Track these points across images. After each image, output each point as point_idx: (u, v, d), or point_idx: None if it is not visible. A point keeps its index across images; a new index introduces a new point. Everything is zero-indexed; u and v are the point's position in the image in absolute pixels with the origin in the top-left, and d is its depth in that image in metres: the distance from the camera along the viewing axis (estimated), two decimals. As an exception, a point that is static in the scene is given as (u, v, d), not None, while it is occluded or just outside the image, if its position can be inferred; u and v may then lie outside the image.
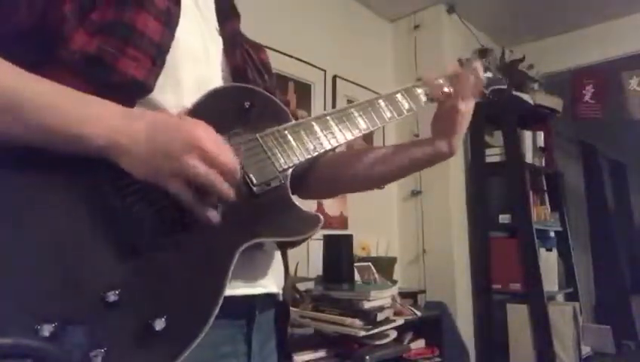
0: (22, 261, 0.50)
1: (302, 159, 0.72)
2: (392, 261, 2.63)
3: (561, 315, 2.81)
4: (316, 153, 0.74)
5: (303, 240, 0.69)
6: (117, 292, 0.52)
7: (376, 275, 2.23)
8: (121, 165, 0.56)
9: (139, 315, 0.53)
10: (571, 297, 3.23)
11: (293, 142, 0.72)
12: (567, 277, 3.22)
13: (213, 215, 0.59)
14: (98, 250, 0.54)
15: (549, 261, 2.97)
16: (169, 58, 0.67)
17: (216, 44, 0.79)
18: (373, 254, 2.69)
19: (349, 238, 2.10)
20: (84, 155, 0.55)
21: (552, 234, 3.24)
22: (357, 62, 2.88)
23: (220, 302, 0.57)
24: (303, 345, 1.76)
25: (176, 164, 0.56)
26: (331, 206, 2.56)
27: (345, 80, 2.76)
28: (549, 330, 2.67)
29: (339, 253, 2.04)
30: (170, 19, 0.68)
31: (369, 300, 1.87)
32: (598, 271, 5.03)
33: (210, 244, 0.60)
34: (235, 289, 0.65)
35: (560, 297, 3.31)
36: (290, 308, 2.03)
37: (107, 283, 0.53)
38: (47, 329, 0.48)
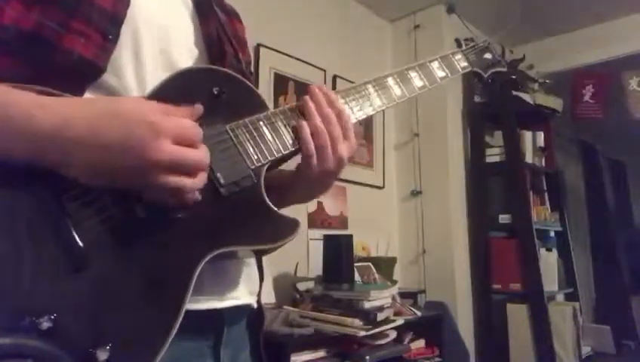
0: None
1: (278, 155, 0.63)
2: (392, 261, 2.63)
3: (561, 315, 2.81)
4: (295, 148, 0.65)
5: (278, 247, 0.61)
6: (52, 317, 0.45)
7: (376, 275, 2.23)
8: (64, 172, 0.49)
9: (78, 344, 0.46)
10: (571, 297, 3.23)
11: (268, 135, 0.62)
12: (567, 277, 3.22)
13: (195, 196, 0.53)
14: (29, 268, 0.46)
15: (549, 261, 2.97)
16: (125, 30, 0.57)
17: (187, 12, 0.69)
18: (373, 254, 2.69)
19: (349, 238, 2.10)
20: (20, 164, 0.48)
21: (552, 234, 3.24)
22: (357, 62, 2.88)
23: (177, 325, 0.50)
24: (303, 345, 1.75)
25: (138, 181, 0.49)
26: (331, 206, 2.56)
27: (345, 80, 2.75)
28: (549, 330, 2.67)
29: (339, 253, 2.04)
30: None
31: (369, 300, 1.87)
32: (598, 271, 5.02)
33: (167, 258, 0.53)
34: (201, 303, 0.59)
35: (560, 297, 3.31)
36: (291, 308, 2.04)
37: (41, 306, 0.45)
38: None
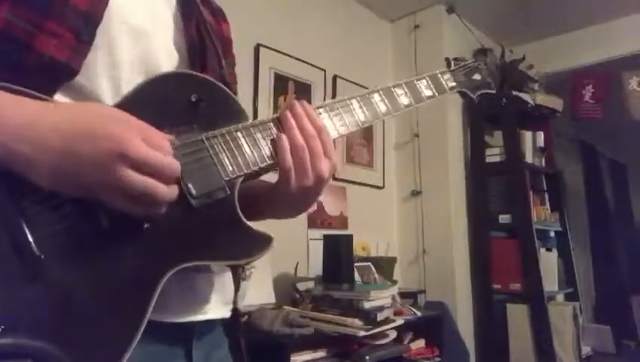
0: None
1: (255, 168, 0.60)
2: (392, 261, 2.63)
3: (561, 315, 2.81)
4: (274, 160, 0.62)
5: (249, 263, 0.60)
6: (1, 327, 0.43)
7: (376, 275, 2.23)
8: (26, 176, 0.47)
9: (30, 355, 0.45)
10: (571, 297, 3.23)
11: (245, 147, 0.59)
12: (567, 277, 3.22)
13: (158, 212, 0.50)
14: None
15: (549, 261, 2.97)
16: (101, 30, 0.55)
17: (169, 10, 0.66)
18: (373, 254, 2.69)
19: (349, 238, 2.10)
20: None
21: (552, 234, 3.25)
22: (357, 62, 2.88)
23: (135, 340, 0.48)
24: (303, 345, 1.75)
25: (101, 178, 0.47)
26: (331, 206, 2.56)
27: (345, 80, 2.75)
28: (549, 330, 2.67)
29: (339, 253, 2.04)
30: None
31: (369, 300, 1.87)
32: (598, 271, 5.03)
33: (130, 269, 0.50)
34: (167, 317, 0.57)
35: (560, 297, 3.31)
36: (291, 308, 2.04)
37: None
38: None
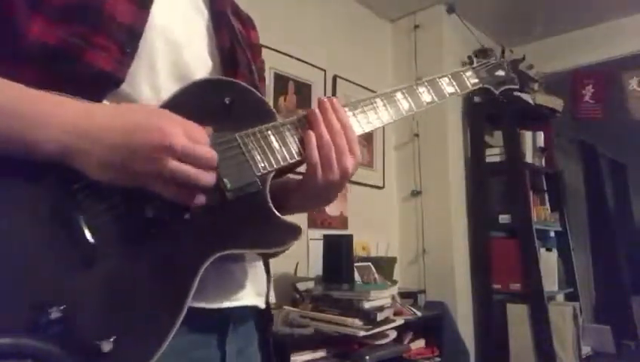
0: None
1: (284, 163, 0.64)
2: (392, 261, 2.63)
3: (561, 315, 2.81)
4: (302, 157, 0.66)
5: (282, 252, 0.63)
6: (62, 307, 0.47)
7: (376, 275, 2.23)
8: (79, 169, 0.51)
9: (84, 334, 0.48)
10: (571, 297, 3.23)
11: (275, 144, 0.64)
12: (567, 277, 3.22)
13: (200, 199, 0.55)
14: (44, 260, 0.49)
15: (549, 261, 2.97)
16: (143, 43, 0.60)
17: (203, 22, 0.71)
18: (373, 254, 2.69)
19: (349, 238, 2.10)
20: (39, 159, 0.50)
21: (552, 234, 3.25)
22: (357, 62, 2.88)
23: (179, 321, 0.52)
24: (303, 345, 1.75)
25: (150, 168, 0.51)
26: (331, 206, 2.55)
27: (345, 80, 2.75)
28: (549, 330, 2.67)
29: (339, 253, 2.05)
30: None
31: (369, 300, 1.87)
32: (598, 271, 5.03)
33: (172, 257, 0.55)
34: (205, 302, 0.61)
35: (560, 297, 3.31)
36: (291, 308, 2.03)
37: (52, 297, 0.48)
38: None
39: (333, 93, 2.69)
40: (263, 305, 0.73)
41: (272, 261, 0.79)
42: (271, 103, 2.31)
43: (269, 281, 0.76)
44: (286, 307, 1.94)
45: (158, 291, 0.53)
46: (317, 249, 2.17)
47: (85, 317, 0.49)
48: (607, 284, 4.94)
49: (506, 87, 0.99)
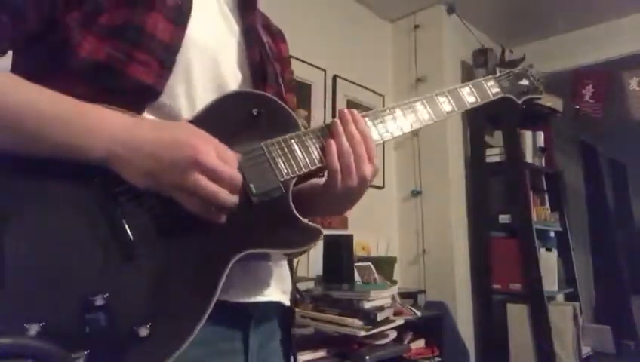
0: (13, 262, 0.51)
1: (306, 170, 0.69)
2: (392, 261, 2.63)
3: (561, 315, 2.81)
4: (322, 164, 0.71)
5: (303, 252, 0.68)
6: (105, 296, 0.53)
7: (376, 275, 2.23)
8: (120, 174, 0.57)
9: (124, 320, 0.53)
10: (571, 297, 3.23)
11: (298, 152, 0.69)
12: (567, 277, 3.22)
13: (219, 217, 0.60)
14: (89, 253, 0.55)
15: (549, 261, 2.97)
16: (180, 58, 0.65)
17: (235, 38, 0.77)
18: (373, 254, 2.69)
19: (349, 238, 2.10)
20: (85, 163, 0.56)
21: (552, 234, 3.24)
22: (357, 62, 2.88)
23: (208, 310, 0.57)
24: (303, 345, 1.75)
25: (178, 179, 0.56)
26: (331, 206, 2.55)
27: (345, 80, 2.76)
28: (549, 330, 2.67)
29: (339, 253, 2.04)
30: (180, 15, 0.66)
31: (369, 300, 1.87)
32: (598, 271, 5.03)
33: (203, 253, 0.60)
34: (231, 296, 0.64)
35: (560, 297, 3.31)
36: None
37: (96, 286, 0.53)
38: (34, 329, 0.49)
39: (333, 93, 2.69)
40: (287, 303, 0.77)
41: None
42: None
43: (293, 280, 0.80)
44: (286, 307, 1.94)
45: (191, 283, 0.58)
46: (317, 249, 2.17)
47: (125, 305, 0.54)
48: (607, 284, 4.94)
49: (529, 96, 1.00)
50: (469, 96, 0.88)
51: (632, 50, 3.16)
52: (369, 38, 3.08)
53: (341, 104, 2.71)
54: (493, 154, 3.02)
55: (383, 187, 2.96)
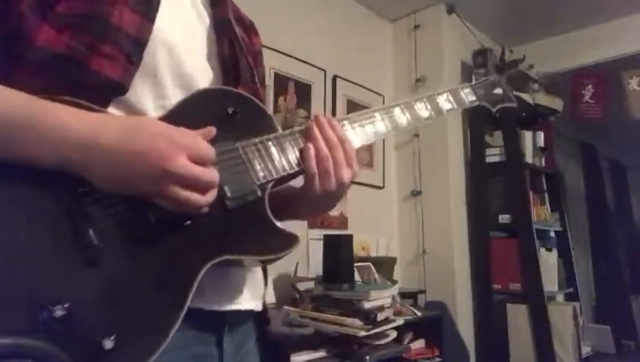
0: None
1: (283, 173, 0.66)
2: (392, 261, 2.63)
3: (561, 315, 2.81)
4: (300, 168, 0.68)
5: (277, 259, 0.65)
6: (66, 305, 0.49)
7: (376, 275, 2.23)
8: (85, 177, 0.53)
9: (88, 332, 0.50)
10: (571, 297, 3.23)
11: (275, 154, 0.66)
12: (567, 277, 3.22)
13: (204, 210, 0.57)
14: (48, 259, 0.51)
15: (549, 261, 2.97)
16: (147, 52, 0.61)
17: (204, 30, 0.73)
18: (373, 254, 2.69)
19: (349, 238, 2.10)
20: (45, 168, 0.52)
21: (552, 234, 3.24)
22: (357, 62, 2.88)
23: (178, 321, 0.54)
24: (303, 345, 1.75)
25: (148, 188, 0.54)
26: (331, 206, 2.55)
27: (345, 80, 2.75)
28: (549, 330, 2.67)
29: (339, 253, 2.04)
30: (149, 8, 0.62)
31: (369, 300, 1.87)
32: (598, 271, 5.03)
33: (174, 260, 0.56)
34: (204, 304, 0.62)
35: (560, 297, 3.31)
36: (291, 308, 2.03)
37: (57, 296, 0.49)
38: None
39: (333, 93, 2.69)
40: (259, 308, 0.75)
41: (271, 261, 0.80)
42: (271, 104, 2.32)
43: (265, 285, 0.78)
44: (286, 307, 1.94)
45: (159, 293, 0.54)
46: (317, 249, 2.17)
47: (88, 316, 0.50)
48: (607, 284, 4.94)
49: (503, 105, 1.01)
50: (446, 103, 0.88)
51: (632, 50, 3.16)
52: (369, 38, 3.08)
53: (341, 104, 2.71)
54: (493, 154, 3.02)
55: (383, 187, 2.96)
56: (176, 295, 0.55)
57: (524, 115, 3.01)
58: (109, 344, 0.50)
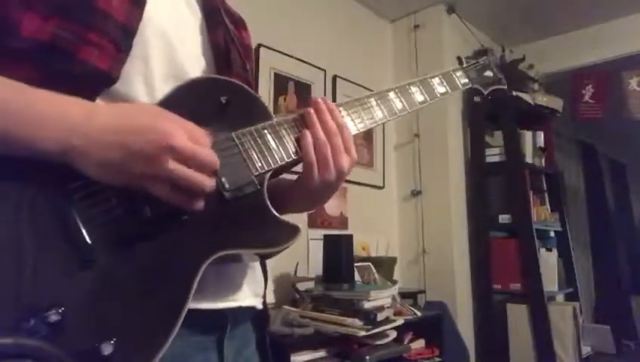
0: None
1: (282, 163, 0.64)
2: (392, 261, 2.63)
3: (561, 315, 2.81)
4: (298, 156, 0.66)
5: (279, 252, 0.62)
6: (60, 310, 0.46)
7: (376, 275, 2.23)
8: (79, 168, 0.51)
9: (84, 338, 0.48)
10: (571, 297, 3.23)
11: (272, 143, 0.64)
12: (567, 277, 3.22)
13: (199, 204, 0.55)
14: (40, 261, 0.48)
15: (549, 261, 2.97)
16: (137, 41, 0.59)
17: (196, 19, 0.71)
18: (373, 254, 2.69)
19: (349, 238, 2.10)
20: (39, 159, 0.49)
21: (552, 234, 3.24)
22: (357, 62, 2.88)
23: (179, 323, 0.51)
24: (303, 345, 1.75)
25: (150, 168, 0.51)
26: (331, 206, 2.56)
27: (345, 80, 2.75)
28: (549, 330, 2.67)
29: (339, 253, 2.04)
30: None
31: (369, 300, 1.87)
32: (598, 271, 5.03)
33: (172, 258, 0.54)
34: (203, 303, 0.60)
35: (560, 297, 3.31)
36: (291, 308, 2.03)
37: (50, 300, 0.47)
38: None
39: (334, 93, 2.69)
40: (260, 306, 0.73)
41: (272, 261, 0.79)
42: (271, 104, 2.32)
43: (266, 282, 0.76)
44: (286, 307, 1.94)
45: (158, 293, 0.52)
46: (317, 249, 2.17)
47: (84, 320, 0.48)
48: (607, 284, 4.94)
49: (494, 87, 1.01)
50: (440, 86, 0.87)
51: (632, 50, 3.16)
52: (369, 38, 3.08)
53: (341, 104, 2.71)
54: (493, 154, 3.01)
55: (383, 187, 2.96)
56: (177, 294, 0.53)
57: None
58: (107, 349, 0.48)
